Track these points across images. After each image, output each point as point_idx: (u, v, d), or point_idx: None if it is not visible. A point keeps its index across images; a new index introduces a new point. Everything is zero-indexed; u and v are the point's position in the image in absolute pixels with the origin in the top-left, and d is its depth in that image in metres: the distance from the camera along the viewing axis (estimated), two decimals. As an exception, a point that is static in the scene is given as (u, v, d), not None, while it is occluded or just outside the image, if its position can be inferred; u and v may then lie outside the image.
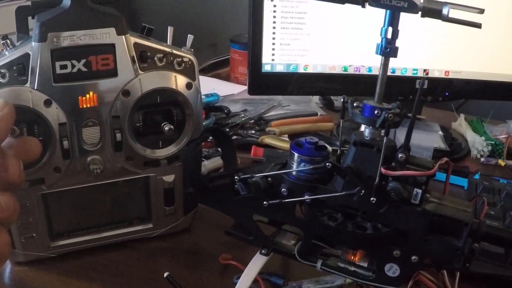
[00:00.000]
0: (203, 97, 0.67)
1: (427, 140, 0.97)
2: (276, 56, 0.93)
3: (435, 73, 0.95)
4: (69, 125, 0.57)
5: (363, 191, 0.47)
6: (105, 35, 0.55)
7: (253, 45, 0.92)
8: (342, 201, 0.49)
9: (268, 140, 0.95)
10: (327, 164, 0.48)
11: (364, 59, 0.93)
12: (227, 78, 1.40)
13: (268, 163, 0.55)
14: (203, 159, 0.84)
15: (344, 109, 0.50)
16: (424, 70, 0.94)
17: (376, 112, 0.47)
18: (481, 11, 0.42)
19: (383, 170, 0.46)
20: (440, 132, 1.03)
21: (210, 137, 0.74)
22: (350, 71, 0.95)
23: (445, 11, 0.42)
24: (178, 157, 0.64)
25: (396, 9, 0.43)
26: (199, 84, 0.63)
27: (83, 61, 0.55)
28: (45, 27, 0.53)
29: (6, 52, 0.54)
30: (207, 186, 0.56)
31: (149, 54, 0.59)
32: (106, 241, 0.65)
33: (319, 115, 1.12)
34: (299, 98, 1.19)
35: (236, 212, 0.56)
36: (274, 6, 0.90)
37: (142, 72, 0.58)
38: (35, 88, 0.54)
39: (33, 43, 0.53)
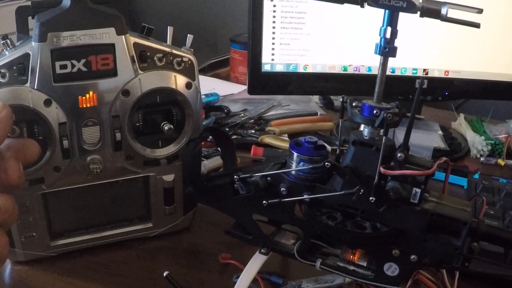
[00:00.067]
0: (203, 96, 0.67)
1: (426, 139, 0.97)
2: (276, 55, 0.93)
3: (434, 73, 0.95)
4: (69, 125, 0.57)
5: (362, 191, 0.47)
6: (105, 35, 0.55)
7: (253, 45, 0.92)
8: (341, 201, 0.49)
9: (267, 139, 0.95)
10: (326, 163, 0.48)
11: (363, 59, 0.94)
12: (227, 77, 1.40)
13: (267, 163, 0.55)
14: (202, 158, 0.84)
15: (343, 108, 0.50)
16: (424, 70, 0.94)
17: (375, 111, 0.47)
18: (480, 11, 0.43)
19: (382, 169, 0.46)
20: (440, 132, 1.03)
21: (210, 137, 0.74)
22: (350, 70, 0.95)
23: (443, 11, 0.42)
24: (178, 157, 0.64)
25: (395, 9, 0.43)
26: (199, 83, 0.63)
27: (83, 61, 0.55)
28: (45, 27, 0.53)
29: (6, 52, 0.54)
30: (207, 186, 0.56)
31: (148, 54, 0.59)
32: (105, 241, 0.66)
33: (318, 114, 1.12)
34: (298, 97, 1.19)
35: (235, 212, 0.56)
36: (274, 6, 0.90)
37: (142, 72, 0.59)
38: (35, 87, 0.54)
39: (33, 43, 0.54)
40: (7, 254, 0.43)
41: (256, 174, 0.52)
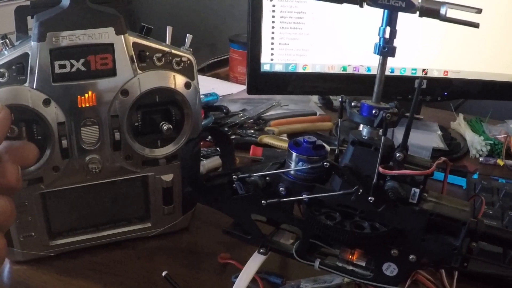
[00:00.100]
0: (202, 96, 0.67)
1: (426, 139, 0.97)
2: (275, 55, 0.93)
3: (434, 73, 0.95)
4: (68, 124, 0.57)
5: (361, 190, 0.47)
6: (104, 34, 0.55)
7: (252, 45, 0.92)
8: (340, 201, 0.49)
9: (267, 139, 0.95)
10: (325, 163, 0.48)
11: (363, 59, 0.94)
12: (226, 77, 1.40)
13: (266, 163, 0.55)
14: (201, 158, 0.84)
15: (342, 108, 0.50)
16: (423, 70, 0.94)
17: (374, 111, 0.47)
18: (479, 10, 0.43)
19: (381, 169, 0.46)
20: (439, 132, 1.03)
21: (209, 137, 0.74)
22: (349, 70, 0.95)
23: (443, 11, 0.42)
24: (177, 157, 0.64)
25: (394, 9, 0.43)
26: (198, 83, 0.63)
27: (82, 60, 0.55)
28: (44, 26, 0.53)
29: (5, 52, 0.54)
30: (206, 185, 0.56)
31: (147, 53, 0.59)
32: (104, 240, 0.66)
33: (318, 114, 1.12)
34: (298, 97, 1.19)
35: (234, 211, 0.56)
36: (273, 6, 0.90)
37: (141, 72, 0.59)
38: (34, 87, 0.54)
39: (32, 42, 0.54)
40: (5, 256, 0.44)
41: (255, 174, 0.52)
